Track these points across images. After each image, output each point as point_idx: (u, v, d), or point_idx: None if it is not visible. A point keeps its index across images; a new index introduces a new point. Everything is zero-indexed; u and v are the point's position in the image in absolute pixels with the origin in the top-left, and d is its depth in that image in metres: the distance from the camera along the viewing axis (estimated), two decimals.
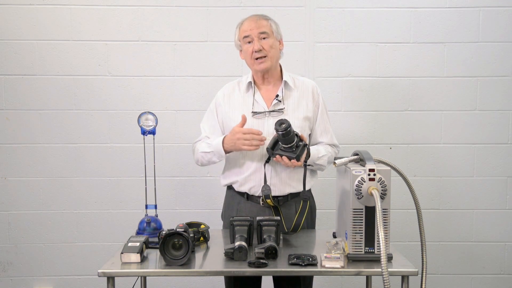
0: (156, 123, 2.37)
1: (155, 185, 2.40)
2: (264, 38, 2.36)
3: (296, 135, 2.20)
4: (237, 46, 2.47)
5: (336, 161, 2.05)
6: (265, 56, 2.36)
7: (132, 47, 3.20)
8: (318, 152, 2.38)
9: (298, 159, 2.20)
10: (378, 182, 1.90)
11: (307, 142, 2.30)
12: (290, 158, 2.20)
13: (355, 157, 2.05)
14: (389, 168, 1.96)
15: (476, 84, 3.24)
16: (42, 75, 3.20)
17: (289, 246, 2.18)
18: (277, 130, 2.15)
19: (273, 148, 2.23)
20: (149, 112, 2.38)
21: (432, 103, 3.25)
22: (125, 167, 3.24)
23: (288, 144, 2.19)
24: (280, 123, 2.15)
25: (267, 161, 2.32)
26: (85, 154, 3.24)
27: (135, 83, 3.22)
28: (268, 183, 2.34)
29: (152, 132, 2.37)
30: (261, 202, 2.38)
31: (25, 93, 3.20)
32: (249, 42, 2.37)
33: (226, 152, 2.34)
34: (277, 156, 2.22)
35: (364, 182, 1.90)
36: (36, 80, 3.20)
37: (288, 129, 2.14)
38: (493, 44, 3.21)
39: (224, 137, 2.34)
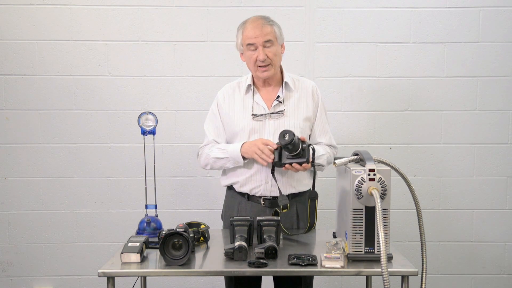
0: (156, 123, 2.37)
1: (155, 185, 2.40)
2: (268, 46, 2.33)
3: (298, 139, 2.19)
4: (239, 49, 2.43)
5: (336, 161, 2.05)
6: (269, 64, 2.34)
7: (132, 47, 3.20)
8: (317, 151, 2.37)
9: (308, 162, 2.20)
10: (378, 182, 1.90)
11: (308, 142, 2.29)
12: (300, 163, 2.19)
13: (355, 157, 2.05)
14: (389, 168, 1.96)
15: (476, 84, 3.24)
16: (42, 75, 3.20)
17: (289, 246, 2.18)
18: (281, 144, 2.16)
19: (280, 159, 2.22)
20: (149, 112, 2.37)
21: (432, 103, 3.25)
22: (125, 167, 3.24)
23: (295, 152, 2.18)
24: (283, 135, 2.14)
25: (273, 170, 2.30)
26: (85, 154, 3.24)
27: (135, 83, 3.22)
28: (268, 184, 2.34)
29: (152, 132, 2.37)
30: (262, 203, 2.38)
31: (25, 93, 3.20)
32: (253, 50, 2.34)
33: (244, 158, 2.33)
34: (287, 165, 2.21)
35: (364, 182, 1.90)
36: (36, 80, 3.20)
37: (293, 140, 2.13)
38: (493, 44, 3.21)
39: (243, 144, 2.33)
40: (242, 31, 2.37)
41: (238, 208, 2.43)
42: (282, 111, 2.38)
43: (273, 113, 2.38)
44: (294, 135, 2.13)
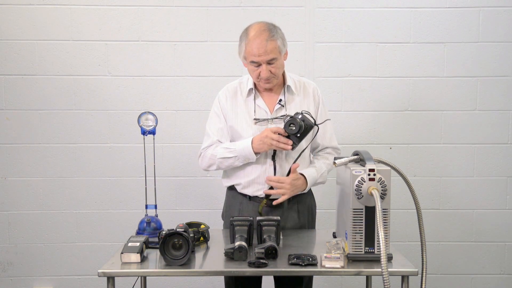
0: (156, 123, 2.37)
1: (155, 185, 2.40)
2: (272, 63, 2.28)
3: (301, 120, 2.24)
4: (241, 59, 2.38)
5: (336, 161, 2.05)
6: (272, 78, 2.33)
7: (132, 47, 3.20)
8: (317, 172, 2.40)
9: (315, 124, 2.27)
10: (378, 182, 1.90)
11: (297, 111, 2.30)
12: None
13: (355, 157, 2.05)
14: (389, 168, 1.96)
15: (476, 84, 3.24)
16: (42, 75, 3.20)
17: (289, 246, 2.18)
18: (290, 133, 2.22)
19: (294, 143, 2.26)
20: (149, 112, 2.37)
21: (432, 103, 3.25)
22: (125, 167, 3.24)
23: (302, 131, 2.24)
24: (288, 125, 2.22)
25: (274, 156, 2.33)
26: (85, 154, 3.24)
27: (135, 83, 3.22)
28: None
29: (152, 132, 2.37)
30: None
31: (25, 93, 3.20)
32: (256, 66, 2.29)
33: (256, 153, 2.32)
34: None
35: (364, 182, 1.90)
36: (36, 80, 3.20)
37: (301, 127, 2.20)
38: (493, 44, 3.21)
39: (252, 139, 2.31)
40: (245, 44, 2.29)
41: (240, 208, 2.42)
42: (284, 115, 2.37)
43: (276, 118, 2.37)
44: (297, 121, 2.21)
